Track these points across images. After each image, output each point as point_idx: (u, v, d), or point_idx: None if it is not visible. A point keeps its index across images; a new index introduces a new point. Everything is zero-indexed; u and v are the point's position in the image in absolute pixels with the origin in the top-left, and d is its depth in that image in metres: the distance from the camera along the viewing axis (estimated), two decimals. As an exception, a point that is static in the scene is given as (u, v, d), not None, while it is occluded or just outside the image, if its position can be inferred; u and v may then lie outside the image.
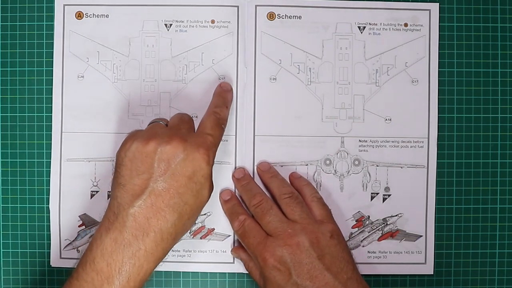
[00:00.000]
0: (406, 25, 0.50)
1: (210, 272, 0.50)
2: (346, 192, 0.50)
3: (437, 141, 0.50)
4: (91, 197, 0.50)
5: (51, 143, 0.50)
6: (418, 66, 0.50)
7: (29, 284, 0.50)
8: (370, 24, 0.50)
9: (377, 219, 0.50)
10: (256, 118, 0.50)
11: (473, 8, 0.50)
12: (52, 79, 0.50)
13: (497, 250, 0.50)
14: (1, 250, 0.50)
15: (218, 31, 0.50)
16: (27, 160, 0.50)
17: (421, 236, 0.50)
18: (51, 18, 0.50)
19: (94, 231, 0.41)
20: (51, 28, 0.50)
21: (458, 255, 0.50)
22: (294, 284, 0.42)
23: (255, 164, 0.50)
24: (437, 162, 0.50)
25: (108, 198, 0.50)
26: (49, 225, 0.50)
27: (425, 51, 0.50)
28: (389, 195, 0.50)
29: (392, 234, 0.50)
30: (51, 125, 0.50)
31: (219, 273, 0.50)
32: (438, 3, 0.50)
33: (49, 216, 0.50)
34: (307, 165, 0.50)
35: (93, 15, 0.50)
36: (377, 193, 0.50)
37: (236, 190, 0.50)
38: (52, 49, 0.50)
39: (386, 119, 0.50)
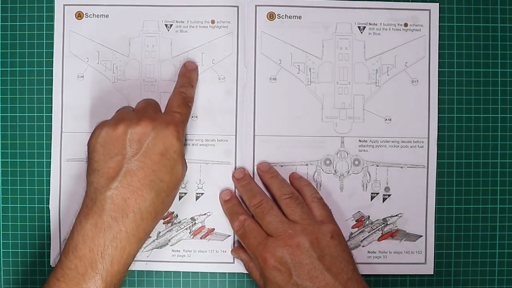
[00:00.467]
0: (406, 25, 0.50)
1: (210, 272, 0.50)
2: (346, 192, 0.50)
3: (437, 141, 0.50)
4: (91, 197, 0.50)
5: (51, 143, 0.50)
6: (418, 66, 0.50)
7: (29, 284, 0.50)
8: (370, 24, 0.50)
9: (377, 219, 0.50)
10: (256, 118, 0.50)
11: (473, 8, 0.50)
12: (52, 79, 0.50)
13: (497, 250, 0.50)
14: (1, 250, 0.50)
15: (218, 31, 0.50)
16: (27, 160, 0.50)
17: (421, 236, 0.50)
18: (51, 18, 0.50)
19: (74, 220, 0.41)
20: (51, 28, 0.50)
21: (458, 255, 0.50)
22: (295, 285, 0.42)
23: (255, 164, 0.50)
24: (437, 162, 0.50)
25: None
26: (49, 225, 0.50)
27: (425, 51, 0.50)
28: (389, 195, 0.50)
29: (392, 234, 0.50)
30: (51, 125, 0.50)
31: (219, 273, 0.50)
32: (438, 3, 0.50)
33: (49, 216, 0.50)
34: (307, 165, 0.50)
35: (93, 15, 0.50)
36: (377, 193, 0.50)
37: (236, 190, 0.50)
38: (52, 49, 0.50)
39: (386, 119, 0.50)
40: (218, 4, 0.50)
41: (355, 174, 0.50)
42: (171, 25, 0.50)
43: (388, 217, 0.50)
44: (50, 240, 0.50)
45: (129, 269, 0.42)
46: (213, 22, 0.50)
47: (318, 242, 0.43)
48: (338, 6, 0.50)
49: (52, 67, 0.50)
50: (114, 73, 0.50)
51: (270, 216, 0.45)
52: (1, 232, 0.50)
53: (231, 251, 0.49)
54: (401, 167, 0.50)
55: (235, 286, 0.50)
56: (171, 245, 0.50)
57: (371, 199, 0.50)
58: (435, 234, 0.50)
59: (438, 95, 0.50)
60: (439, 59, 0.50)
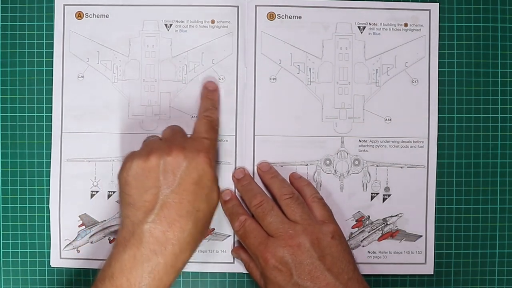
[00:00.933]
0: (406, 25, 0.50)
1: (210, 272, 0.50)
2: (346, 192, 0.50)
3: (437, 141, 0.50)
4: (91, 197, 0.50)
5: (51, 143, 0.50)
6: (418, 66, 0.50)
7: (29, 284, 0.50)
8: (370, 24, 0.50)
9: (377, 219, 0.50)
10: (256, 118, 0.50)
11: (473, 8, 0.50)
12: (52, 79, 0.50)
13: (497, 250, 0.50)
14: (1, 250, 0.50)
15: (218, 31, 0.50)
16: (27, 160, 0.50)
17: (421, 236, 0.50)
18: (51, 18, 0.50)
19: (112, 248, 0.41)
20: (51, 28, 0.50)
21: (458, 255, 0.50)
22: (295, 285, 0.42)
23: (255, 164, 0.50)
24: (437, 162, 0.50)
25: (108, 198, 0.50)
26: (49, 225, 0.50)
27: (425, 51, 0.50)
28: (389, 195, 0.50)
29: (392, 234, 0.50)
30: (51, 125, 0.50)
31: (219, 273, 0.50)
32: (438, 3, 0.50)
33: (49, 216, 0.50)
34: (307, 165, 0.50)
35: (93, 15, 0.50)
36: (377, 193, 0.50)
37: (236, 190, 0.50)
38: (52, 49, 0.50)
39: (386, 119, 0.50)
40: (218, 4, 0.50)
41: (355, 174, 0.50)
42: (170, 25, 0.50)
43: (388, 217, 0.50)
44: (50, 240, 0.50)
45: None
46: (213, 22, 0.50)
47: (319, 242, 0.43)
48: (338, 6, 0.50)
49: (52, 67, 0.50)
50: (114, 73, 0.50)
51: (270, 216, 0.45)
52: (1, 232, 0.50)
53: (232, 251, 0.49)
54: (401, 167, 0.50)
55: (235, 286, 0.50)
56: (171, 245, 0.50)
57: (371, 199, 0.50)
58: (435, 234, 0.50)
59: (438, 95, 0.50)
60: (439, 59, 0.50)
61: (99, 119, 0.50)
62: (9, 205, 0.50)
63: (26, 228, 0.50)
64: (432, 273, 0.50)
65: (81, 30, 0.50)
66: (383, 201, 0.50)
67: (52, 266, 0.50)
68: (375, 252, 0.50)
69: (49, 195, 0.50)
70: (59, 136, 0.50)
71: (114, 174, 0.49)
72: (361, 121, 0.50)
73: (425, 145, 0.50)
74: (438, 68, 0.50)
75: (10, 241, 0.50)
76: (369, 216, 0.50)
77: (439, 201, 0.50)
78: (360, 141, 0.50)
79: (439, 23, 0.50)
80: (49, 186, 0.50)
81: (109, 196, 0.50)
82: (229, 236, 0.50)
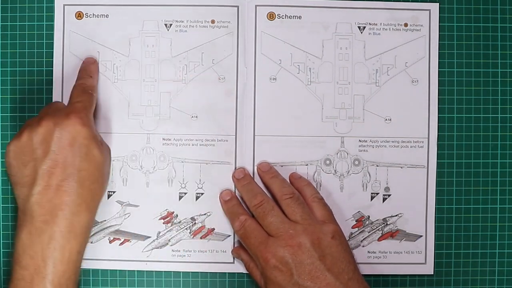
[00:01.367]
0: (406, 25, 0.50)
1: (210, 272, 0.50)
2: (346, 192, 0.50)
3: (437, 141, 0.50)
4: (91, 197, 0.50)
5: (51, 143, 0.50)
6: (418, 66, 0.50)
7: (29, 284, 0.50)
8: (370, 24, 0.50)
9: (377, 219, 0.50)
10: (256, 118, 0.50)
11: (473, 8, 0.50)
12: (52, 79, 0.50)
13: (497, 250, 0.50)
14: (1, 250, 0.50)
15: (218, 31, 0.50)
16: (27, 160, 0.50)
17: (421, 236, 0.50)
18: (51, 18, 0.50)
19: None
20: (51, 28, 0.50)
21: (458, 255, 0.50)
22: (295, 285, 0.42)
23: (255, 164, 0.50)
24: (437, 162, 0.50)
25: (108, 198, 0.50)
26: (49, 225, 0.50)
27: (425, 51, 0.50)
28: (389, 195, 0.50)
29: (392, 234, 0.50)
30: (51, 125, 0.50)
31: (219, 273, 0.50)
32: (438, 3, 0.50)
33: (49, 216, 0.50)
34: (307, 165, 0.50)
35: (93, 15, 0.50)
36: (377, 193, 0.50)
37: (236, 190, 0.50)
38: (52, 49, 0.50)
39: (386, 119, 0.50)
40: (218, 4, 0.50)
41: (355, 174, 0.50)
42: (170, 24, 0.50)
43: (388, 217, 0.50)
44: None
45: (81, 267, 0.42)
46: (213, 22, 0.50)
47: (319, 242, 0.43)
48: (338, 6, 0.50)
49: (52, 67, 0.50)
50: (114, 73, 0.50)
51: (271, 216, 0.45)
52: (1, 232, 0.50)
53: (232, 251, 0.49)
54: (401, 167, 0.50)
55: (235, 286, 0.50)
56: (171, 245, 0.50)
57: (371, 199, 0.50)
58: (435, 234, 0.50)
59: (438, 95, 0.50)
60: (439, 59, 0.50)
61: (99, 119, 0.49)
62: (9, 205, 0.50)
63: (26, 228, 0.50)
64: (432, 273, 0.50)
65: (81, 30, 0.50)
66: (383, 201, 0.50)
67: (52, 266, 0.50)
68: (375, 252, 0.50)
69: (49, 195, 0.50)
70: (59, 136, 0.50)
71: (114, 174, 0.49)
72: (361, 121, 0.50)
73: (425, 145, 0.50)
74: (438, 68, 0.50)
75: (10, 241, 0.50)
76: (369, 216, 0.50)
77: (439, 201, 0.50)
78: (360, 141, 0.50)
79: (439, 23, 0.50)
80: (49, 186, 0.50)
81: (109, 196, 0.50)
82: (229, 236, 0.50)
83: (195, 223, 0.50)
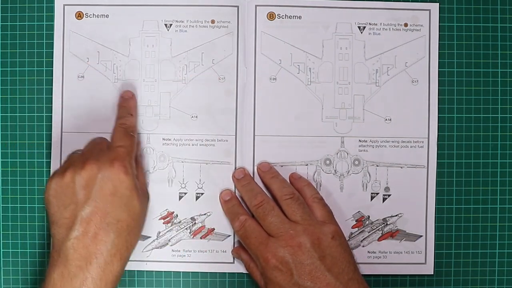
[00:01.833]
0: (406, 25, 0.50)
1: (210, 272, 0.50)
2: (346, 192, 0.50)
3: (437, 141, 0.50)
4: (91, 197, 0.50)
5: (51, 143, 0.50)
6: (418, 66, 0.50)
7: (29, 284, 0.50)
8: (370, 24, 0.50)
9: (377, 219, 0.50)
10: (256, 118, 0.50)
11: (473, 8, 0.50)
12: (52, 79, 0.50)
13: (497, 250, 0.50)
14: (1, 250, 0.50)
15: (218, 31, 0.50)
16: (27, 160, 0.50)
17: (421, 236, 0.50)
18: (51, 18, 0.50)
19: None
20: (51, 28, 0.50)
21: (458, 255, 0.50)
22: (295, 285, 0.42)
23: (255, 164, 0.50)
24: (437, 162, 0.50)
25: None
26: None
27: (425, 51, 0.50)
28: (389, 195, 0.50)
29: (392, 234, 0.50)
30: (51, 125, 0.50)
31: (219, 273, 0.50)
32: (438, 3, 0.50)
33: (49, 216, 0.50)
34: (307, 165, 0.50)
35: (93, 15, 0.50)
36: (377, 193, 0.50)
37: (236, 190, 0.50)
38: (52, 49, 0.50)
39: (386, 119, 0.50)
40: (218, 4, 0.50)
41: (355, 174, 0.50)
42: (170, 24, 0.50)
43: (388, 217, 0.50)
44: (50, 240, 0.50)
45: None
46: (213, 22, 0.50)
47: (320, 243, 0.43)
48: (338, 6, 0.50)
49: (52, 67, 0.50)
50: (114, 73, 0.50)
51: (271, 216, 0.45)
52: (1, 232, 0.50)
53: (232, 251, 0.49)
54: (401, 167, 0.50)
55: (235, 286, 0.50)
56: (171, 245, 0.50)
57: (371, 199, 0.50)
58: (435, 234, 0.50)
59: (438, 95, 0.50)
60: (439, 59, 0.50)
61: (99, 119, 0.50)
62: (9, 205, 0.50)
63: (26, 228, 0.50)
64: (432, 273, 0.50)
65: (81, 30, 0.50)
66: (383, 201, 0.50)
67: (52, 266, 0.50)
68: (375, 252, 0.50)
69: (49, 195, 0.50)
70: (59, 136, 0.50)
71: (114, 174, 0.49)
72: (361, 121, 0.50)
73: (425, 145, 0.50)
74: (438, 68, 0.50)
75: (10, 241, 0.50)
76: (369, 216, 0.50)
77: (439, 201, 0.50)
78: (360, 141, 0.50)
79: (439, 23, 0.50)
80: (49, 186, 0.50)
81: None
82: (229, 236, 0.50)
83: (195, 223, 0.50)
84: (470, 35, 0.50)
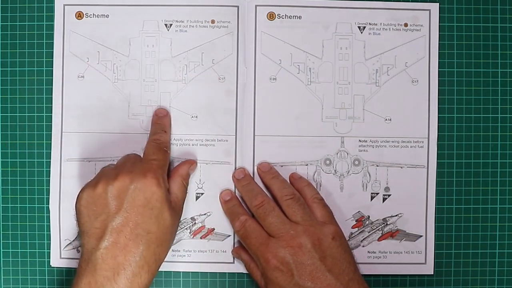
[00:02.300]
0: (406, 25, 0.50)
1: (210, 272, 0.50)
2: (346, 192, 0.50)
3: (437, 141, 0.50)
4: (91, 197, 0.50)
5: (51, 143, 0.50)
6: (418, 66, 0.50)
7: (29, 284, 0.50)
8: (370, 24, 0.50)
9: (377, 219, 0.50)
10: (256, 118, 0.50)
11: (473, 8, 0.50)
12: (52, 79, 0.50)
13: (497, 250, 0.50)
14: (1, 250, 0.50)
15: (218, 31, 0.50)
16: (27, 160, 0.50)
17: (421, 236, 0.50)
18: (51, 18, 0.50)
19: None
20: (51, 28, 0.50)
21: (458, 255, 0.50)
22: (296, 285, 0.42)
23: (255, 164, 0.50)
24: (437, 162, 0.50)
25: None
26: (49, 225, 0.50)
27: (425, 51, 0.50)
28: (389, 195, 0.50)
29: (392, 234, 0.50)
30: (51, 125, 0.50)
31: (219, 273, 0.50)
32: (438, 3, 0.50)
33: (49, 216, 0.50)
34: (307, 165, 0.50)
35: (93, 15, 0.50)
36: (377, 193, 0.50)
37: (236, 190, 0.50)
38: (52, 49, 0.50)
39: (386, 119, 0.50)
40: (218, 4, 0.50)
41: (355, 174, 0.50)
42: (170, 24, 0.50)
43: (388, 217, 0.50)
44: (50, 240, 0.50)
45: None
46: (213, 22, 0.50)
47: (320, 243, 0.43)
48: (338, 6, 0.50)
49: (52, 67, 0.50)
50: (114, 73, 0.50)
51: (271, 217, 0.45)
52: (1, 232, 0.50)
53: (232, 251, 0.49)
54: (401, 167, 0.50)
55: (235, 286, 0.50)
56: (171, 245, 0.50)
57: (371, 199, 0.50)
58: (435, 234, 0.50)
59: (438, 95, 0.50)
60: (439, 59, 0.50)
61: (99, 119, 0.50)
62: (9, 205, 0.50)
63: (26, 228, 0.50)
64: (432, 273, 0.50)
65: (81, 30, 0.50)
66: (383, 201, 0.50)
67: (52, 266, 0.50)
68: (375, 252, 0.50)
69: (49, 195, 0.50)
70: (59, 136, 0.50)
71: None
72: (361, 121, 0.50)
73: (425, 145, 0.50)
74: (438, 68, 0.50)
75: (10, 241, 0.50)
76: (369, 216, 0.50)
77: (439, 201, 0.50)
78: (360, 141, 0.50)
79: (439, 23, 0.50)
80: (49, 186, 0.50)
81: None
82: (229, 236, 0.50)
83: (195, 223, 0.50)
84: (470, 35, 0.50)
